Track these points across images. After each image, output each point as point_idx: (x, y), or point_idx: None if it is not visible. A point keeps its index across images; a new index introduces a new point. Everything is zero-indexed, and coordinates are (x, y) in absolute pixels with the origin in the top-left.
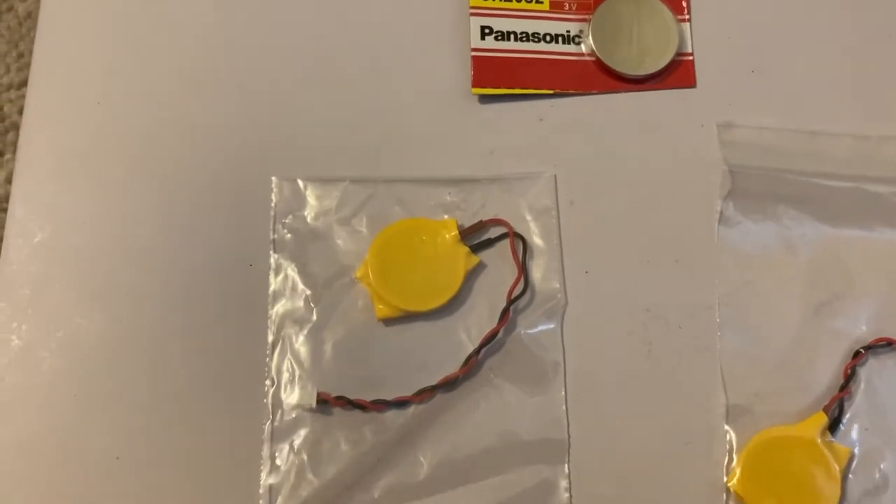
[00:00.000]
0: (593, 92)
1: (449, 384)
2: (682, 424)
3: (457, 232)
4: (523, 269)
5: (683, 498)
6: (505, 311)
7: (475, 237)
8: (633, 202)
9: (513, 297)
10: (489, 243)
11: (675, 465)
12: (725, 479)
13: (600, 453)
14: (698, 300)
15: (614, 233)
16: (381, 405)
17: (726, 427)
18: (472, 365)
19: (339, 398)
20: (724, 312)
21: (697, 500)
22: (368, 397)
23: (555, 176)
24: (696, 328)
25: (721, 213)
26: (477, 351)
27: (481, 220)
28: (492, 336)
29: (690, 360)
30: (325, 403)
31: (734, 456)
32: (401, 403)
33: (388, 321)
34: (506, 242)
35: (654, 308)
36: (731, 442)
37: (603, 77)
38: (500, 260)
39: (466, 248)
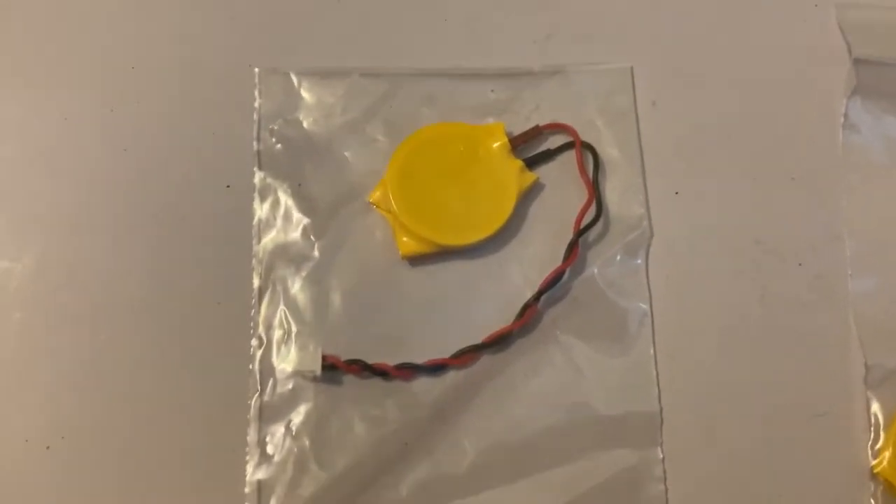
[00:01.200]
0: None
1: (499, 342)
2: (809, 392)
3: (506, 140)
4: (595, 190)
5: (817, 489)
6: (573, 246)
7: (530, 148)
8: (734, 103)
9: (582, 226)
10: (548, 156)
11: (803, 445)
12: (872, 462)
13: (703, 432)
14: (822, 229)
15: (711, 143)
16: (408, 371)
17: (868, 394)
18: (529, 317)
19: (353, 362)
20: (855, 244)
21: (836, 490)
22: (392, 360)
23: (631, 68)
24: (822, 265)
25: (846, 115)
26: (536, 298)
27: (537, 125)
28: (556, 278)
29: (815, 308)
30: (333, 369)
31: (881, 432)
32: (435, 368)
33: (416, 260)
34: (570, 155)
35: (765, 240)
36: (875, 414)
37: None
38: (563, 178)
39: (519, 162)
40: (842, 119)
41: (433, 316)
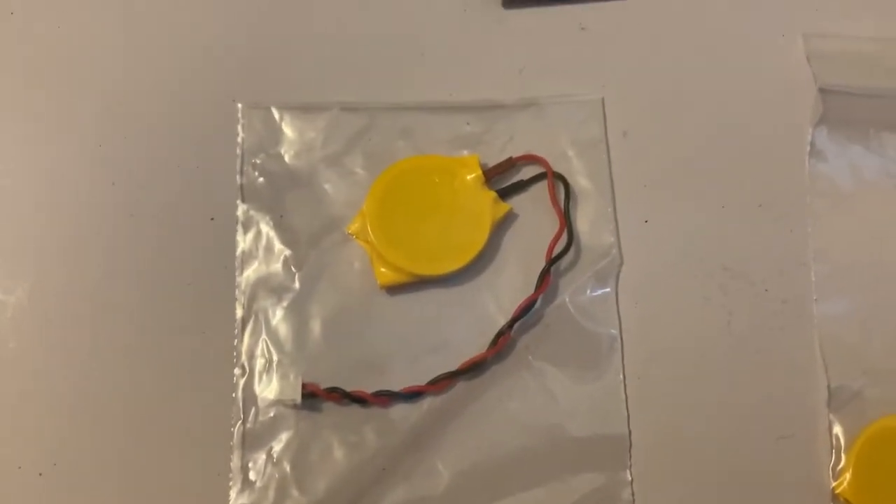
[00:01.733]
0: None
1: (474, 369)
2: (774, 415)
3: (480, 172)
4: (566, 220)
5: None
6: (544, 274)
7: (503, 179)
8: (703, 132)
9: (554, 255)
10: (521, 186)
11: (767, 467)
12: (833, 483)
13: (671, 454)
14: (788, 254)
15: (680, 171)
16: (385, 398)
17: (830, 417)
18: (503, 344)
19: (332, 390)
20: (820, 269)
21: None
22: (370, 387)
23: (602, 99)
24: (788, 290)
25: (812, 143)
26: (510, 325)
27: (510, 158)
28: (528, 306)
29: (781, 332)
30: (312, 397)
31: (842, 454)
32: (412, 395)
33: (394, 289)
34: (542, 186)
35: (733, 266)
36: (837, 436)
37: None
38: (536, 208)
39: (493, 194)
40: (808, 147)
41: (410, 343)
